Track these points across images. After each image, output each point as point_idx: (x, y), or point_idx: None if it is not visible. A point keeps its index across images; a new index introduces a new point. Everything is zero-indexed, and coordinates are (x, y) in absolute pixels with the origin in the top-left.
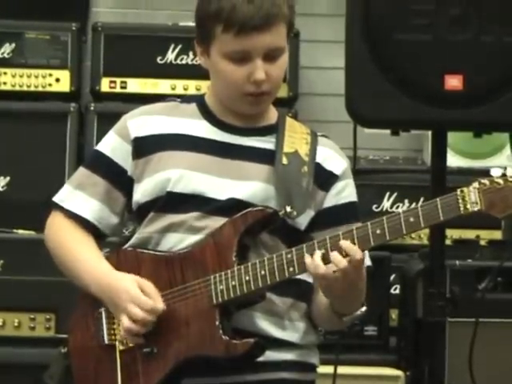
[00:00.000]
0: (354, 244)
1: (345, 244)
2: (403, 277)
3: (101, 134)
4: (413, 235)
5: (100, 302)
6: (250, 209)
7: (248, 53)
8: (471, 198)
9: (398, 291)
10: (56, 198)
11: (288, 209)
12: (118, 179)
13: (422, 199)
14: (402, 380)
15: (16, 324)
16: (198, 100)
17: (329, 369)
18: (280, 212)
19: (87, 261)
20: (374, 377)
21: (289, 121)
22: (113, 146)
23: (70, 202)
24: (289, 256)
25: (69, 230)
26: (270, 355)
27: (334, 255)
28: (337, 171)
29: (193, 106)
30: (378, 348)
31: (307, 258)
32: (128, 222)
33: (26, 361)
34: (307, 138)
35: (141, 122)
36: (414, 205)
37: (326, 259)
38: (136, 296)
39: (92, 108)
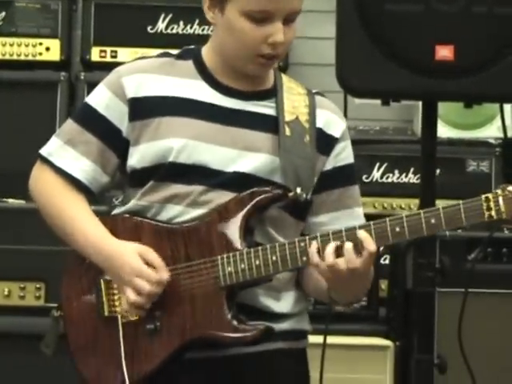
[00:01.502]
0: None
1: (362, 234)
2: (393, 247)
3: None
4: (402, 205)
5: (97, 271)
6: (257, 189)
7: (271, 13)
8: (496, 205)
9: (387, 262)
10: (44, 152)
11: (298, 191)
12: (113, 139)
13: (411, 170)
14: (391, 350)
15: (6, 293)
16: (195, 56)
17: (318, 338)
18: (290, 194)
19: (85, 226)
20: (364, 347)
21: (285, 81)
22: (107, 103)
23: (61, 158)
24: (302, 245)
25: (60, 189)
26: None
27: (349, 251)
28: (336, 134)
29: (189, 64)
30: (368, 318)
31: (314, 254)
32: (117, 190)
33: (15, 330)
34: (305, 100)
35: (137, 81)
36: (404, 175)
37: (337, 252)
38: (140, 269)
39: (82, 77)
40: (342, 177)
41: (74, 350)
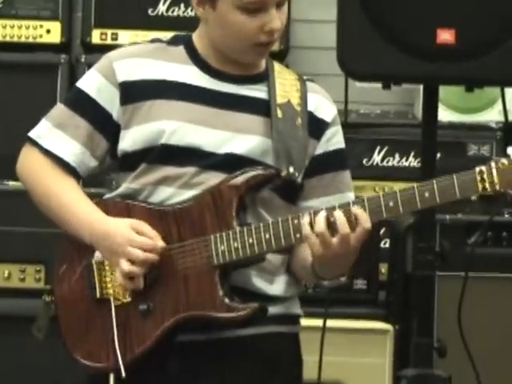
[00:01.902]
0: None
1: (356, 210)
2: (393, 231)
3: None
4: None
5: (89, 253)
6: (251, 169)
7: (264, 2)
8: (490, 177)
9: (387, 245)
10: (33, 134)
11: (291, 170)
12: (103, 123)
13: (412, 153)
14: (390, 334)
15: (6, 275)
16: (186, 42)
17: (318, 322)
18: (282, 173)
19: (76, 206)
20: (363, 330)
21: (277, 67)
22: (98, 87)
23: (50, 141)
24: (295, 222)
25: (48, 169)
26: None
27: (342, 223)
28: (328, 118)
29: (180, 49)
30: (368, 302)
31: (306, 226)
32: (110, 172)
33: (15, 312)
34: (297, 85)
35: (128, 65)
36: (404, 159)
37: (331, 228)
38: (132, 238)
39: (83, 60)
40: (333, 161)
41: (66, 334)
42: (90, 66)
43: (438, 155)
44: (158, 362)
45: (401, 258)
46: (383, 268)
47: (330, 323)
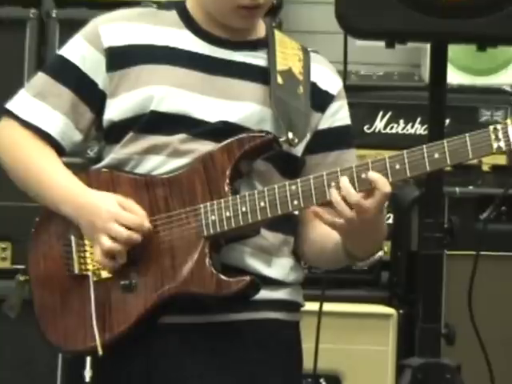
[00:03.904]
0: None
1: (373, 175)
2: (396, 205)
3: (63, 44)
4: None
5: (67, 228)
6: (247, 134)
7: None
8: (505, 136)
9: (390, 221)
10: (11, 106)
11: (290, 135)
12: (87, 92)
13: (418, 119)
14: (394, 318)
15: None
16: (179, 6)
17: (314, 305)
18: (281, 139)
19: (57, 179)
20: (364, 315)
21: (278, 35)
22: (82, 54)
23: (29, 112)
24: (293, 188)
25: (28, 142)
26: (259, 293)
27: (345, 185)
28: (333, 91)
29: (173, 14)
30: (368, 283)
31: (332, 189)
32: (93, 140)
33: None
34: (299, 54)
35: (116, 30)
36: (410, 125)
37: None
38: (119, 213)
39: (54, 15)
40: (339, 138)
41: (41, 315)
42: (62, 21)
43: (447, 121)
44: (141, 345)
45: (405, 235)
46: (386, 246)
47: (327, 307)
